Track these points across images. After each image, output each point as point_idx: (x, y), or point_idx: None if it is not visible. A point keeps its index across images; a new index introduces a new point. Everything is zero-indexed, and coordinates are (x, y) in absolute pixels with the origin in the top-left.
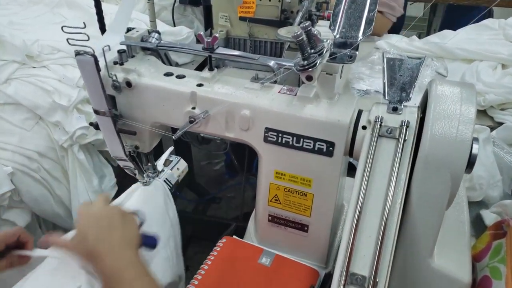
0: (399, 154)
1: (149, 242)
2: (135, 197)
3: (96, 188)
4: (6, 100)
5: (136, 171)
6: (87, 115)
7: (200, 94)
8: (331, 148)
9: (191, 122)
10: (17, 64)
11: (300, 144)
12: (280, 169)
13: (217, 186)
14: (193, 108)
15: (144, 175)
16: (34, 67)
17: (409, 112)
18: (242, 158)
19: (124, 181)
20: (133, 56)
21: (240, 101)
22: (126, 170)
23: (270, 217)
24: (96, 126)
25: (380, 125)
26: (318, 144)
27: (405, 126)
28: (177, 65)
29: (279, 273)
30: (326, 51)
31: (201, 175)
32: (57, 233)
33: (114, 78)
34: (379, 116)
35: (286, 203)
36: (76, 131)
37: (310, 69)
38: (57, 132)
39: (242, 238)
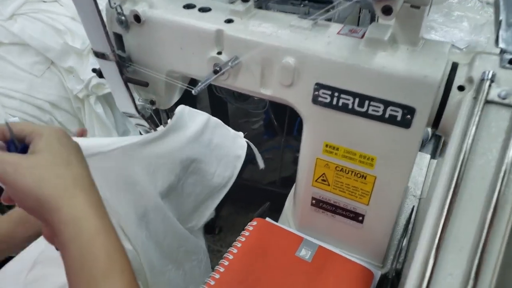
0: None
1: None
2: None
3: None
4: (11, 40)
5: (152, 131)
6: None
7: (229, 34)
8: (409, 116)
9: (215, 72)
10: None
11: (364, 109)
12: (332, 142)
13: (255, 146)
14: (219, 53)
15: None
16: (44, 1)
17: None
18: (283, 118)
19: None
20: None
21: (283, 44)
22: (139, 129)
23: (314, 201)
24: (99, 74)
25: (490, 85)
26: (391, 110)
27: None
28: None
29: (322, 272)
30: None
31: None
32: None
33: (119, 10)
34: (487, 72)
35: (336, 185)
36: (92, 79)
37: None
38: (71, 80)
39: (278, 212)
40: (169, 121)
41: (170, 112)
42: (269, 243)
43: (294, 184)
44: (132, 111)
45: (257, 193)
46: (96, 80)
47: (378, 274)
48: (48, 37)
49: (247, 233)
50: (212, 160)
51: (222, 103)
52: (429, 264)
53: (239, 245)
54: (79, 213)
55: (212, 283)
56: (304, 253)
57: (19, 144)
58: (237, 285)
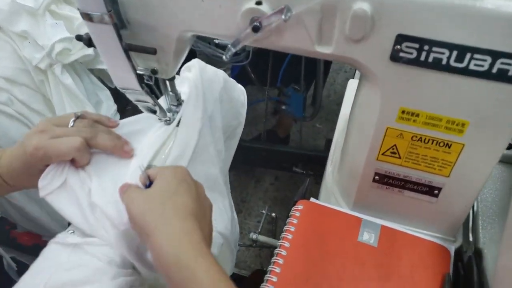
0: None
1: None
2: None
3: None
4: None
5: (157, 108)
6: (66, 21)
7: None
8: None
9: (255, 29)
10: None
11: (464, 64)
12: (411, 107)
13: None
14: (258, 3)
15: (166, 110)
16: None
17: None
18: (259, 68)
19: (126, 107)
20: None
21: None
22: (140, 106)
23: (377, 176)
24: (88, 42)
25: None
26: (502, 63)
27: None
28: None
29: (393, 256)
30: None
31: None
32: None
33: None
34: None
35: (410, 158)
36: (55, 45)
37: None
38: (27, 47)
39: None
40: (170, 93)
41: (170, 80)
42: (324, 229)
43: (340, 160)
44: (134, 85)
45: (239, 150)
46: (60, 45)
47: (452, 250)
48: None
49: (295, 220)
50: (221, 116)
51: (190, 52)
52: None
53: (289, 236)
54: (172, 241)
55: (274, 279)
56: (367, 237)
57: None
58: (303, 281)
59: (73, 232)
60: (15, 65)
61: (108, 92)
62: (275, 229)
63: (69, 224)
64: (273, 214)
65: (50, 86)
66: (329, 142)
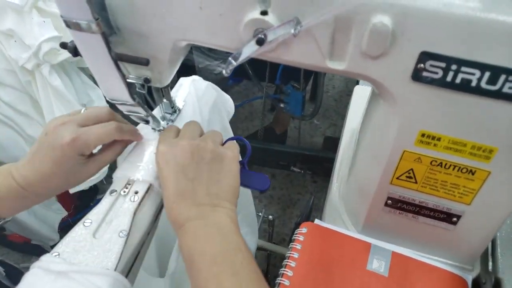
0: None
1: (257, 185)
2: None
3: None
4: None
5: (150, 118)
6: (54, 19)
7: None
8: None
9: (259, 42)
10: None
11: (497, 87)
12: (433, 130)
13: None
14: (264, 12)
15: (160, 118)
16: None
17: None
18: (258, 64)
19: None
20: None
21: None
22: (132, 117)
23: (390, 201)
24: (74, 50)
25: None
26: None
27: None
28: None
29: (406, 287)
30: None
31: None
32: None
33: None
34: None
35: (427, 183)
36: (42, 44)
37: None
38: (13, 46)
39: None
40: (165, 100)
41: (164, 88)
42: (330, 256)
43: (348, 178)
44: (125, 97)
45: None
46: (47, 45)
47: (469, 279)
48: None
49: (298, 246)
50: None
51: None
52: None
53: (292, 263)
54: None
55: None
56: (377, 264)
57: None
58: None
59: (58, 254)
60: (0, 66)
61: (99, 91)
62: (272, 230)
63: (59, 227)
64: (269, 217)
65: (38, 87)
66: (327, 139)
